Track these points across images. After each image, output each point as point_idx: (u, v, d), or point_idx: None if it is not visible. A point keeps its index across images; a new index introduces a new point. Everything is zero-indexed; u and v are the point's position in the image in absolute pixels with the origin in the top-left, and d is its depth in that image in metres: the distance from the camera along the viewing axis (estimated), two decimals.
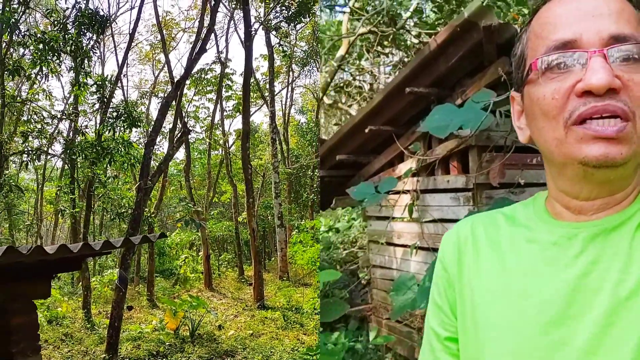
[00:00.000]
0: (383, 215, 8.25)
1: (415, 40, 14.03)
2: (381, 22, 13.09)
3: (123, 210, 16.04)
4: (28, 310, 5.90)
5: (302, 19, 22.39)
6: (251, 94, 22.32)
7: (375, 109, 7.32)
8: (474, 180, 6.12)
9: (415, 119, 7.16)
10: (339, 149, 8.37)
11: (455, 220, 6.12)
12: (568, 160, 1.27)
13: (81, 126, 17.13)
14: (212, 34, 18.65)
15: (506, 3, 10.77)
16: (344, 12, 15.01)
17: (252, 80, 21.95)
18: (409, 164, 7.33)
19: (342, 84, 17.95)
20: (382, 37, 13.51)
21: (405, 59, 14.84)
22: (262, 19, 23.03)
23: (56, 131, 18.97)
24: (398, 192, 7.51)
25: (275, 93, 26.21)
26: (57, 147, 23.13)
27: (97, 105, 15.96)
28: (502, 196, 5.94)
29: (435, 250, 6.28)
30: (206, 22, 16.18)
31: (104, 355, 11.30)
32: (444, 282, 1.61)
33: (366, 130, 7.39)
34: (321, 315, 6.34)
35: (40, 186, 27.54)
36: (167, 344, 12.78)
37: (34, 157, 15.60)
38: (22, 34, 14.04)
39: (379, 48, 15.72)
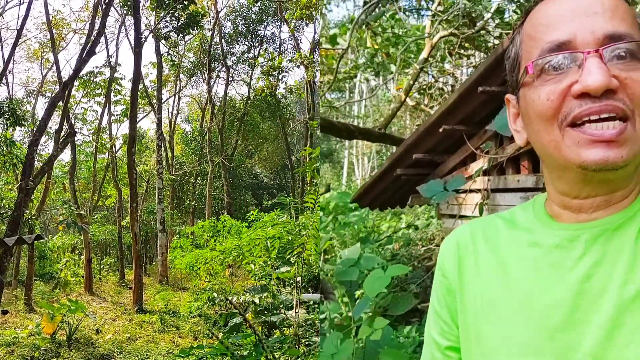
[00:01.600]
0: (456, 214, 8.24)
1: (497, 42, 13.90)
2: (462, 24, 12.97)
3: (2, 211, 15.50)
4: None
5: (191, 30, 22.37)
6: (139, 100, 22.11)
7: (449, 108, 7.19)
8: (544, 180, 6.08)
9: (488, 118, 7.03)
10: (416, 148, 8.28)
11: None
12: (567, 164, 1.25)
13: None
14: (103, 38, 18.27)
15: None
16: (427, 16, 14.97)
17: (140, 87, 21.76)
18: (481, 163, 7.23)
19: (424, 86, 17.84)
20: (463, 39, 13.42)
21: None
22: (152, 27, 22.82)
23: None
24: (470, 191, 7.53)
25: (162, 101, 26.08)
26: None
27: None
28: None
29: None
30: (97, 25, 15.91)
31: None
32: (443, 290, 1.58)
33: (440, 130, 7.32)
34: (390, 309, 6.31)
35: None
36: (42, 348, 12.36)
37: None
38: None
39: (461, 51, 15.70)
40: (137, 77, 18.15)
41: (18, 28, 17.59)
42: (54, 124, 22.76)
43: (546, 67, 1.25)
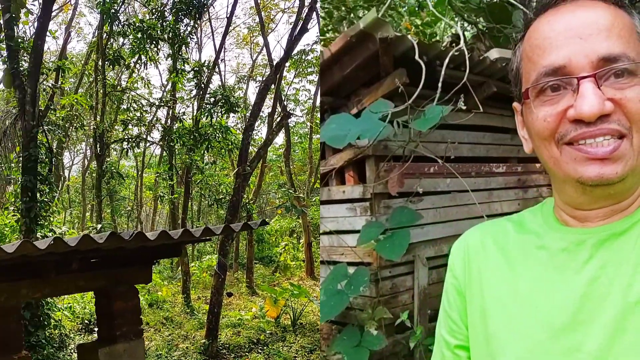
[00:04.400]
0: None
1: None
2: None
3: (221, 196, 16.50)
4: (130, 295, 6.35)
5: None
6: None
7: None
8: (371, 190, 6.06)
9: None
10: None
11: (352, 232, 6.34)
12: (566, 179, 1.34)
13: (179, 113, 17.70)
14: (314, 13, 18.68)
15: (399, 13, 10.74)
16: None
17: None
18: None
19: None
20: None
21: None
22: None
23: (154, 118, 19.65)
24: None
25: None
26: (156, 134, 23.93)
27: (194, 92, 16.48)
28: (401, 205, 6.02)
29: (331, 263, 6.38)
30: (307, 1, 16.15)
31: (204, 340, 11.73)
32: (453, 291, 1.67)
33: None
34: None
35: (139, 173, 28.55)
36: (267, 332, 13.13)
37: (134, 144, 16.31)
38: (122, 24, 14.66)
39: None
40: None
41: (227, 16, 18.58)
42: (266, 107, 23.83)
43: (543, 89, 1.33)
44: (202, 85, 15.60)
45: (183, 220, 16.49)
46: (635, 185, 1.36)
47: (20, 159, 11.17)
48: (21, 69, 11.13)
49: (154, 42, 14.33)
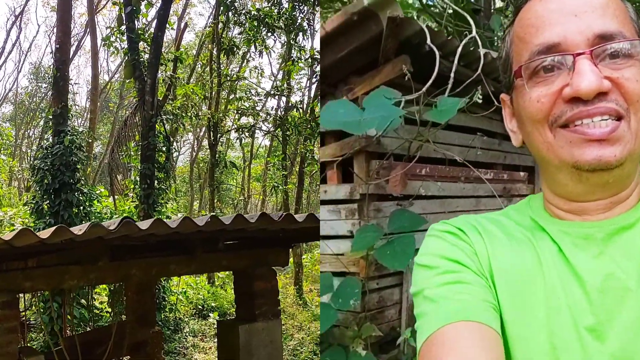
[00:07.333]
0: None
1: None
2: None
3: None
4: (270, 276, 6.76)
5: None
6: None
7: None
8: (362, 190, 5.52)
9: None
10: None
11: (335, 237, 5.85)
12: (561, 164, 1.30)
13: (296, 102, 18.01)
14: None
15: None
16: None
17: None
18: None
19: None
20: None
21: None
22: None
23: (268, 108, 19.94)
24: None
25: None
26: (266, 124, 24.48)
27: (305, 81, 16.71)
28: (400, 208, 5.59)
29: None
30: None
31: (319, 331, 12.09)
32: (468, 250, 1.45)
33: None
34: None
35: (247, 163, 29.18)
36: None
37: (247, 134, 16.77)
38: (238, 12, 15.12)
39: None
40: None
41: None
42: None
43: (537, 69, 1.31)
44: (318, 73, 15.91)
45: (296, 212, 16.84)
46: (633, 174, 1.35)
47: (140, 147, 11.80)
48: (141, 60, 11.78)
49: (270, 30, 14.67)
